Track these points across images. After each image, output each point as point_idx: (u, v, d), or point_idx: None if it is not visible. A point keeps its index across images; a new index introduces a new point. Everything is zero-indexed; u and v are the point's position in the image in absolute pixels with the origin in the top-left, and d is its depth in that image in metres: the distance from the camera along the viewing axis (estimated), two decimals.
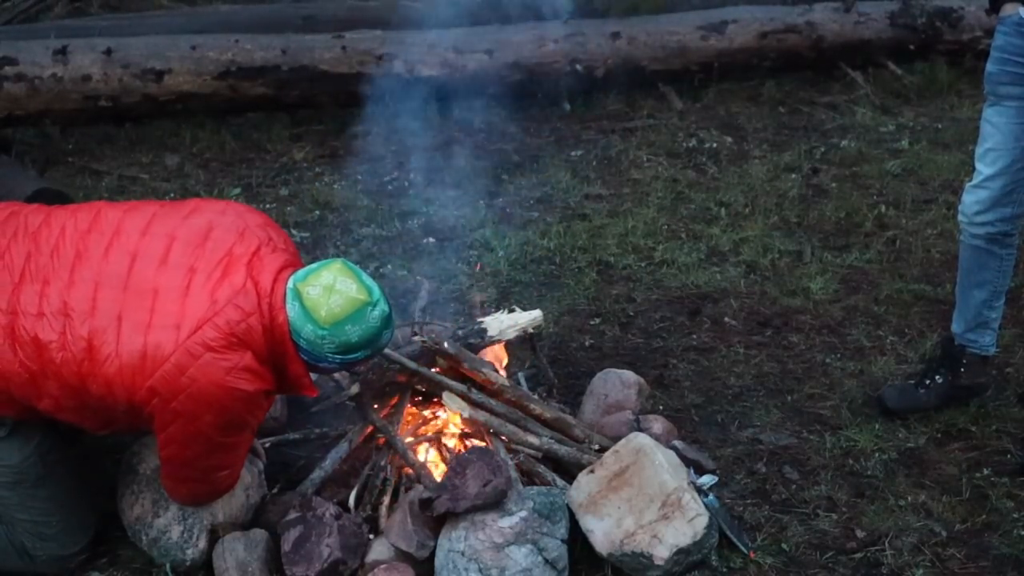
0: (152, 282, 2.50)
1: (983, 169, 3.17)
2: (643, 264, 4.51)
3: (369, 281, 2.54)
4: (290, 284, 2.51)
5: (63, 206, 2.75)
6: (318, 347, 2.50)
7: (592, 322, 4.05)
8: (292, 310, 2.49)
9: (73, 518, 2.76)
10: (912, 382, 3.49)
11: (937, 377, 3.42)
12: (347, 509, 2.80)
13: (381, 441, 2.99)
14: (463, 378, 3.07)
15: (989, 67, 3.14)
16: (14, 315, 2.51)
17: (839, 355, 3.78)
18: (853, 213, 4.95)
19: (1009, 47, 3.07)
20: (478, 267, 4.37)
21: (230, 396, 2.46)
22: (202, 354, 2.42)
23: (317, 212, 5.06)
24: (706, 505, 2.74)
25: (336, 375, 3.20)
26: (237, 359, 2.45)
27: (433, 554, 2.67)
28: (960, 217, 3.27)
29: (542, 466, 2.93)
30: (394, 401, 3.08)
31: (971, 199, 3.21)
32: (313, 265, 2.55)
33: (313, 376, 2.66)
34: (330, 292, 2.47)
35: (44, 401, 2.53)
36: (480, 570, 2.59)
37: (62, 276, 2.53)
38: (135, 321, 2.46)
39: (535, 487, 2.78)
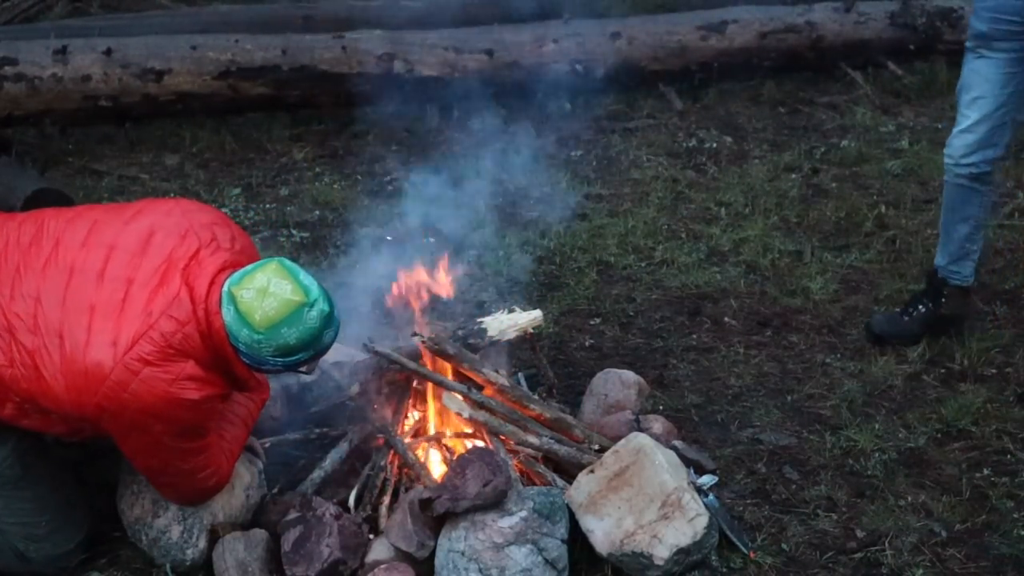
0: (89, 298, 2.46)
1: (971, 114, 3.51)
2: (643, 264, 4.51)
3: (307, 280, 2.45)
4: (225, 287, 2.45)
5: (12, 215, 2.71)
6: (256, 351, 2.44)
7: (592, 322, 4.05)
8: (227, 314, 2.43)
9: (63, 516, 2.75)
10: (898, 311, 3.82)
11: (920, 307, 3.76)
12: (347, 509, 2.80)
13: (381, 441, 2.99)
14: (463, 378, 3.07)
15: (980, 26, 3.45)
16: None
17: (839, 355, 3.78)
18: (853, 213, 4.95)
19: (1004, 7, 3.38)
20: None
21: (178, 406, 2.43)
22: (140, 369, 2.39)
23: (317, 212, 5.06)
24: (706, 505, 2.74)
25: (336, 375, 3.20)
26: (178, 370, 2.42)
27: (433, 554, 2.67)
28: (947, 159, 3.62)
29: (542, 466, 2.93)
30: (394, 401, 3.08)
31: (959, 143, 3.56)
32: (248, 267, 2.48)
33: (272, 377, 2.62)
34: (263, 295, 2.40)
35: (6, 408, 2.52)
36: (480, 570, 2.59)
37: (3, 291, 2.50)
38: (74, 340, 2.43)
39: (535, 487, 2.79)
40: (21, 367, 2.45)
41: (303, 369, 2.59)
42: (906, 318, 3.77)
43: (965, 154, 3.55)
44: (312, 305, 2.43)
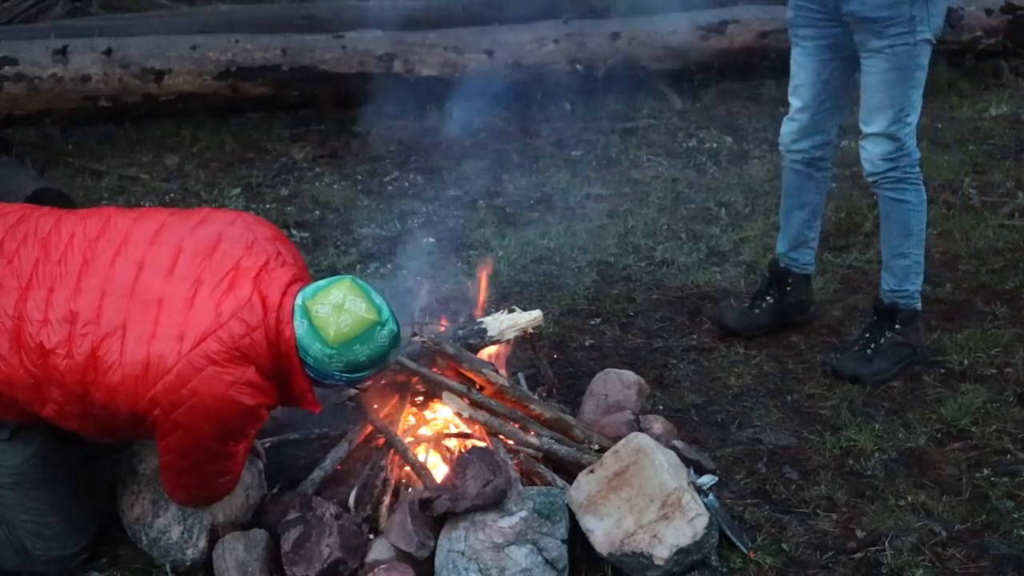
0: (158, 292, 2.49)
1: (794, 103, 3.62)
2: (643, 264, 4.51)
3: (379, 300, 2.52)
4: (298, 301, 2.50)
5: (74, 211, 2.75)
6: (325, 365, 2.49)
7: (592, 322, 4.05)
8: (300, 327, 2.48)
9: (73, 519, 2.76)
10: (747, 305, 3.94)
11: (768, 298, 3.88)
12: (347, 509, 2.80)
13: (381, 441, 2.99)
14: (463, 378, 3.07)
15: (788, 12, 3.58)
16: (20, 320, 2.50)
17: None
18: (853, 213, 4.95)
19: None
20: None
21: (231, 410, 2.45)
22: (204, 367, 2.42)
23: (317, 212, 5.06)
24: (706, 505, 2.74)
25: None
26: (240, 373, 2.44)
27: (433, 554, 2.67)
28: (780, 147, 3.74)
29: (542, 466, 2.93)
30: (394, 401, 3.08)
31: (787, 130, 3.68)
32: (322, 282, 2.54)
33: (317, 391, 2.65)
34: (339, 311, 2.45)
35: (48, 408, 2.53)
36: (480, 570, 2.59)
37: (68, 283, 2.52)
38: (139, 331, 2.45)
39: (535, 487, 2.79)
40: (79, 357, 2.46)
41: (362, 386, 2.68)
42: (756, 311, 3.88)
43: (793, 140, 3.66)
44: (384, 324, 2.49)
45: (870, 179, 3.51)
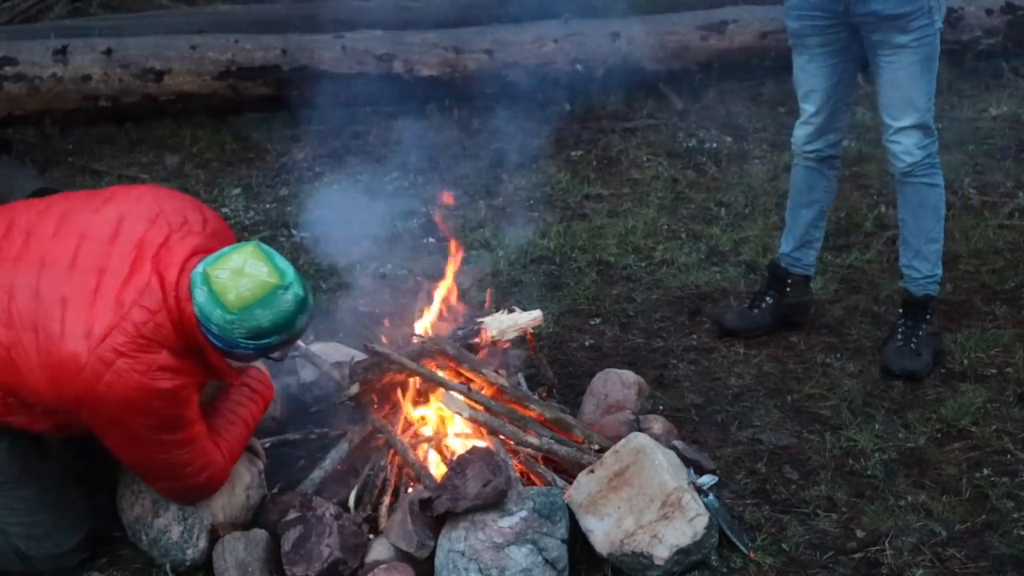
0: (61, 290, 2.46)
1: (807, 108, 3.69)
2: (643, 264, 4.51)
3: (283, 264, 2.46)
4: (199, 268, 2.45)
5: None
6: (228, 332, 2.43)
7: (592, 322, 4.05)
8: (200, 295, 2.42)
9: (62, 515, 2.74)
10: (746, 305, 3.94)
11: (768, 298, 3.90)
12: (347, 509, 2.80)
13: (381, 441, 2.99)
14: (463, 378, 3.07)
15: (791, 24, 3.62)
16: None
17: (839, 355, 3.78)
18: (853, 213, 4.95)
19: (804, 4, 3.54)
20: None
21: (153, 396, 2.43)
22: (114, 360, 2.39)
23: (317, 212, 5.06)
24: (706, 505, 2.74)
25: (335, 375, 3.20)
26: (151, 360, 2.41)
27: (433, 554, 2.67)
28: (793, 147, 3.81)
29: (542, 466, 2.93)
30: (394, 401, 3.08)
31: (801, 133, 3.74)
32: (225, 249, 2.49)
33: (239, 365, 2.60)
34: (239, 275, 2.40)
35: None
36: (480, 570, 2.59)
37: None
38: (49, 332, 2.43)
39: (535, 487, 2.79)
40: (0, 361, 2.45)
41: (275, 355, 2.59)
42: (756, 311, 3.89)
43: (807, 142, 3.73)
44: (287, 288, 2.44)
45: (906, 170, 3.56)
